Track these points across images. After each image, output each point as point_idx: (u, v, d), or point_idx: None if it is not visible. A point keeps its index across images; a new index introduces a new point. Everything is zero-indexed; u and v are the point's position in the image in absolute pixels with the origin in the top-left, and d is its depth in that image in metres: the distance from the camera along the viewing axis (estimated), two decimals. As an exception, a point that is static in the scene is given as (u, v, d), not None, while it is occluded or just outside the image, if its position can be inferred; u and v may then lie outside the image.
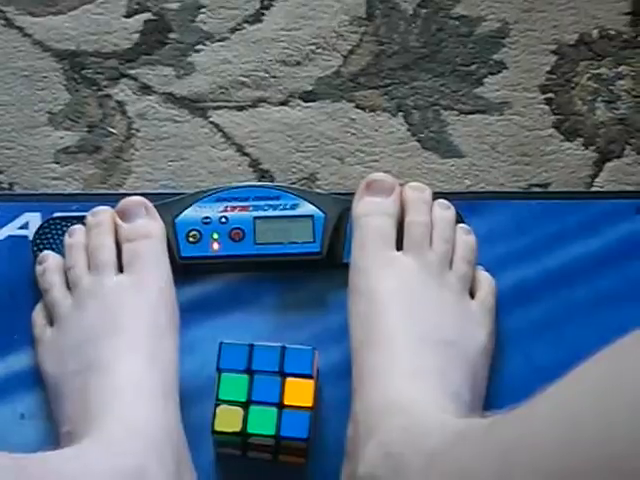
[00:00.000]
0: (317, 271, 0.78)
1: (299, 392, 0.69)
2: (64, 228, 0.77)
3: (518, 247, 0.80)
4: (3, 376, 0.74)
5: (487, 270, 0.76)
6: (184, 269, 0.76)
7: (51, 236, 0.77)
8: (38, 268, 0.74)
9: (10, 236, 0.79)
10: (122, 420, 0.64)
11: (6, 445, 0.71)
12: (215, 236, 0.76)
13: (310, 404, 0.68)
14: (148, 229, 0.73)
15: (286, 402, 0.68)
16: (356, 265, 0.72)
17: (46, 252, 0.74)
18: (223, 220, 0.77)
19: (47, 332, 0.72)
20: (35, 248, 0.77)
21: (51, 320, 0.72)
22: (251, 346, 0.70)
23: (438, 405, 0.64)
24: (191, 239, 0.76)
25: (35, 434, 0.73)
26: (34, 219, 0.79)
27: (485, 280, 0.74)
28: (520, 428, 0.48)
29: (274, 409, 0.68)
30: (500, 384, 0.74)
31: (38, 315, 0.73)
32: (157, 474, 0.62)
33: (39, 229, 0.77)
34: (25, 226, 0.79)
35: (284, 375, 0.69)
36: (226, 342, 0.70)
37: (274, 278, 0.78)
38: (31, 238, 0.77)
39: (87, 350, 0.68)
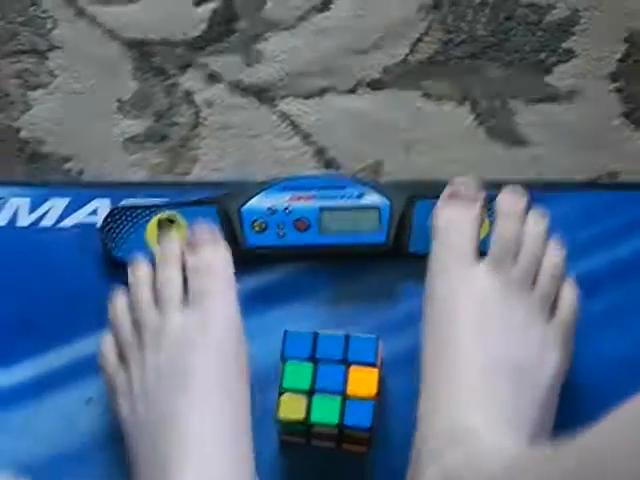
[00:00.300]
0: (383, 261, 0.78)
1: (363, 381, 0.69)
2: (131, 216, 0.78)
3: (587, 238, 0.79)
4: (71, 361, 0.75)
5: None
6: (249, 257, 0.77)
7: (118, 224, 0.78)
8: (109, 307, 0.72)
9: (79, 223, 0.80)
10: (195, 472, 0.63)
11: (73, 429, 0.73)
12: (281, 226, 0.77)
13: (373, 393, 0.68)
14: (213, 260, 0.71)
15: (349, 392, 0.68)
16: (435, 272, 0.70)
17: (115, 291, 0.72)
18: (289, 210, 0.77)
19: (120, 374, 0.69)
20: (103, 235, 0.78)
21: (121, 356, 0.70)
22: (315, 334, 0.70)
23: (503, 433, 0.63)
24: (257, 228, 0.77)
25: (102, 419, 0.74)
26: (103, 206, 0.80)
27: (568, 296, 0.70)
28: (583, 458, 0.46)
29: (338, 398, 0.68)
30: (569, 376, 0.74)
31: (110, 353, 0.71)
32: None
33: (107, 217, 0.78)
34: (94, 212, 0.80)
35: (348, 363, 0.69)
36: (291, 330, 0.70)
37: (339, 268, 0.78)
38: (99, 225, 0.78)
39: (157, 397, 0.66)
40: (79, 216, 0.80)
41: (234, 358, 0.68)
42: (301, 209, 0.77)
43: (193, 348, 0.67)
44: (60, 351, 0.76)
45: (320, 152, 0.86)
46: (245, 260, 0.76)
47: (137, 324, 0.70)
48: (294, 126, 0.87)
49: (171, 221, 0.78)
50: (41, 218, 0.80)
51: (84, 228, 0.79)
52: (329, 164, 0.85)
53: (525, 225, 0.70)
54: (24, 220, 0.79)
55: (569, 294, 0.70)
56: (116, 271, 0.77)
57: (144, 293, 0.70)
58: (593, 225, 0.79)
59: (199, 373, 0.66)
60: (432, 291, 0.70)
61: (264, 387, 0.72)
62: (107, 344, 0.71)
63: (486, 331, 0.67)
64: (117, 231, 0.78)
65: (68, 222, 0.80)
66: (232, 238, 0.76)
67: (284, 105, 0.87)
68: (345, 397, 0.68)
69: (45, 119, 0.87)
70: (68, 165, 0.85)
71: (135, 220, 0.78)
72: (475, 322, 0.67)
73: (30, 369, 0.75)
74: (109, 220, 0.78)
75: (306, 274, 0.78)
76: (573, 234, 0.78)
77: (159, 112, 0.87)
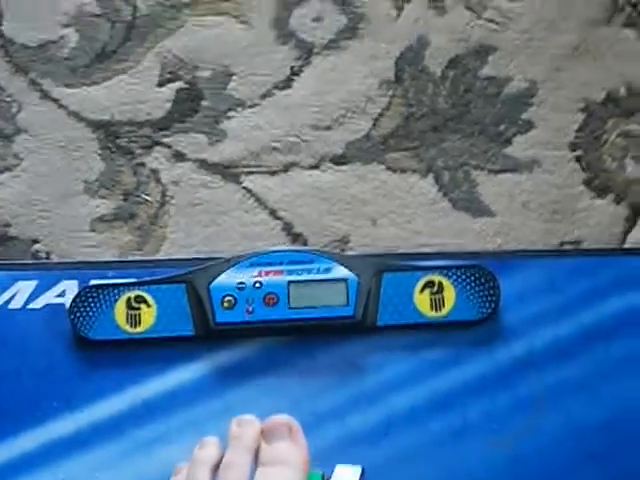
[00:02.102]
0: (352, 334, 0.78)
1: None
2: (100, 296, 0.78)
3: (552, 305, 0.80)
4: (44, 442, 0.75)
5: (521, 329, 0.77)
6: (218, 334, 0.77)
7: (87, 304, 0.78)
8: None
9: (48, 304, 0.79)
10: None
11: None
12: (250, 301, 0.77)
13: None
14: (287, 455, 0.66)
15: None
16: None
17: (182, 465, 0.69)
18: (257, 285, 0.77)
19: None
20: (72, 316, 0.78)
21: None
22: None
23: None
24: (226, 304, 0.77)
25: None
26: (71, 287, 0.80)
27: None
28: None
29: None
30: (539, 443, 0.74)
31: None
32: None
33: (75, 297, 0.78)
34: (62, 294, 0.80)
35: None
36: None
37: (308, 342, 0.78)
38: (68, 306, 0.78)
39: None
40: (47, 298, 0.80)
41: None
42: (270, 284, 0.77)
43: None
44: (31, 433, 0.75)
45: (287, 227, 0.87)
46: (214, 337, 0.76)
47: None
48: (260, 202, 0.87)
49: (141, 300, 0.78)
50: (9, 301, 0.79)
51: (53, 308, 0.79)
52: (296, 238, 0.86)
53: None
54: (-9, 302, 0.79)
55: None
56: (85, 350, 0.77)
57: (204, 475, 0.66)
58: (558, 293, 0.80)
59: None
60: None
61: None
62: None
63: None
64: (86, 311, 0.78)
65: (36, 304, 0.79)
66: (201, 316, 0.77)
67: (249, 182, 0.88)
68: None
69: (12, 202, 0.87)
70: (36, 247, 0.86)
71: (104, 300, 0.78)
72: None
73: (1, 452, 0.75)
74: (77, 300, 0.78)
75: (276, 349, 0.78)
76: (539, 302, 0.79)
77: (127, 191, 0.88)
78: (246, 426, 0.68)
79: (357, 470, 0.69)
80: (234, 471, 0.65)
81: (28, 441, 0.75)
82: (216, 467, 0.66)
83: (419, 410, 0.76)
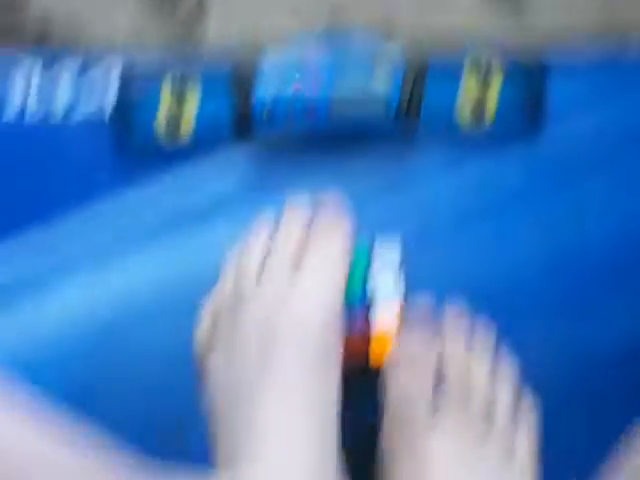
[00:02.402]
0: (394, 140, 0.77)
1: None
2: (144, 85, 0.77)
3: (604, 115, 0.78)
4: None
5: (569, 141, 0.75)
6: (258, 143, 0.77)
7: (131, 92, 0.77)
8: (206, 305, 0.68)
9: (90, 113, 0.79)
10: (268, 467, 0.59)
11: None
12: (289, 110, 0.76)
13: None
14: (333, 225, 0.68)
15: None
16: (390, 444, 0.67)
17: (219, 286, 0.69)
18: (297, 95, 0.76)
19: (210, 358, 0.66)
20: (116, 105, 0.77)
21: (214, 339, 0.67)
22: None
23: None
24: (266, 114, 0.76)
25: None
26: (114, 74, 0.79)
27: (526, 433, 0.68)
28: None
29: None
30: (581, 251, 0.75)
31: (202, 331, 0.67)
32: None
33: (119, 86, 0.77)
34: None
35: None
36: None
37: (347, 153, 0.77)
38: (113, 97, 0.78)
39: (241, 382, 0.62)
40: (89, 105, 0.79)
41: (332, 348, 0.64)
42: (308, 97, 0.75)
43: (289, 318, 0.63)
44: (75, 244, 0.78)
45: (334, 9, 0.84)
46: (253, 146, 0.76)
47: (242, 274, 0.67)
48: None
49: (182, 100, 0.77)
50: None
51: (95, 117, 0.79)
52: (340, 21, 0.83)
53: (472, 359, 0.69)
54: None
55: (527, 429, 0.68)
56: (126, 157, 0.78)
57: (259, 247, 0.68)
58: (611, 103, 0.78)
59: (288, 361, 0.62)
60: (393, 443, 0.67)
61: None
62: (208, 302, 0.68)
63: None
64: (131, 101, 0.77)
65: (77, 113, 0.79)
66: (240, 123, 0.76)
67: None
68: None
69: None
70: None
71: (148, 89, 0.77)
72: None
73: (48, 256, 0.77)
74: (122, 90, 0.77)
75: (314, 159, 0.78)
76: (589, 112, 0.77)
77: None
78: (296, 208, 0.69)
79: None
80: (285, 245, 0.67)
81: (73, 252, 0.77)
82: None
83: (460, 220, 0.76)
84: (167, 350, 0.73)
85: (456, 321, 0.70)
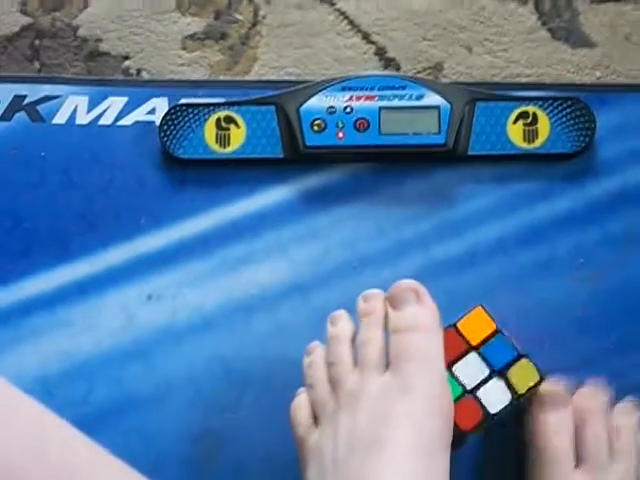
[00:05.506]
0: (441, 163, 0.77)
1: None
2: (190, 114, 0.78)
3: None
4: (130, 258, 0.76)
5: (615, 165, 0.75)
6: (308, 158, 0.77)
7: (177, 122, 0.78)
8: (305, 360, 0.68)
9: (137, 121, 0.80)
10: None
11: (133, 325, 0.74)
12: (340, 125, 0.76)
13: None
14: (417, 319, 0.65)
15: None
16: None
17: (315, 344, 0.69)
18: (348, 110, 0.76)
19: (312, 436, 0.65)
20: (162, 134, 0.78)
21: (315, 418, 0.66)
22: None
23: None
24: (316, 128, 0.76)
25: (161, 315, 0.75)
26: (161, 105, 0.80)
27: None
28: None
29: None
30: (626, 280, 0.74)
31: (302, 412, 0.67)
32: None
33: (166, 114, 0.78)
34: (152, 111, 0.80)
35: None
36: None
37: (397, 169, 0.78)
38: (158, 123, 0.78)
39: (348, 464, 0.61)
40: (137, 115, 0.80)
41: (437, 433, 0.62)
42: (361, 109, 0.76)
43: (390, 416, 0.61)
44: (120, 248, 0.76)
45: (380, 51, 0.85)
46: (302, 160, 0.76)
47: (334, 383, 0.65)
48: (353, 25, 0.85)
49: (230, 120, 0.78)
50: (100, 116, 0.80)
51: (143, 126, 0.79)
52: (389, 64, 0.84)
53: (613, 420, 0.70)
54: (82, 118, 0.80)
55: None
56: (174, 169, 0.77)
57: (344, 351, 0.66)
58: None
59: (393, 445, 0.60)
60: None
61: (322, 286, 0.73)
62: (300, 402, 0.67)
63: None
64: (176, 129, 0.78)
65: (126, 121, 0.80)
66: (290, 138, 0.76)
67: (343, 4, 0.86)
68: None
69: (103, 17, 0.86)
70: (126, 63, 0.85)
71: (194, 118, 0.78)
72: None
73: (91, 265, 0.76)
74: (168, 118, 0.78)
75: (364, 175, 0.78)
76: (635, 137, 0.78)
77: (218, 9, 0.86)
78: (373, 300, 0.67)
79: None
80: (372, 346, 0.65)
81: (115, 256, 0.76)
82: (353, 340, 0.66)
83: (506, 242, 0.76)
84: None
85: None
